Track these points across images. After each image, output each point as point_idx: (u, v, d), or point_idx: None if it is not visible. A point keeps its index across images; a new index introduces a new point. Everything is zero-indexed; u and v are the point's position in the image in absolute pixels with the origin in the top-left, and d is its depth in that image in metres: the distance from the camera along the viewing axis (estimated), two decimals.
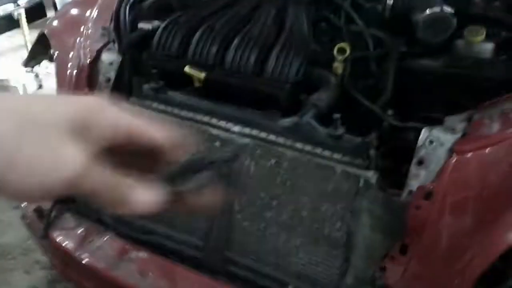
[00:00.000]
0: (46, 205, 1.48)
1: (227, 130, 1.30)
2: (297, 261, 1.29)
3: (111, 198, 0.42)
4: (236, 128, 1.29)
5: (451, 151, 1.09)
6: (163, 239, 1.39)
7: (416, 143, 1.17)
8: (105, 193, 0.42)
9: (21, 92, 3.77)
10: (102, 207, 0.43)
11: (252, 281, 1.30)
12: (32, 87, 3.87)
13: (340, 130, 1.18)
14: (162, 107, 1.41)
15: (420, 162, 1.12)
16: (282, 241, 1.30)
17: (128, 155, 0.45)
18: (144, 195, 0.44)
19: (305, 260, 1.27)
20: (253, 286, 1.28)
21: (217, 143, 1.32)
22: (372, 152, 1.15)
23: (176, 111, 1.38)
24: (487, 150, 1.08)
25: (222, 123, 1.32)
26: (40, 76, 3.93)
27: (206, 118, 1.34)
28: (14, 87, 3.74)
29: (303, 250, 1.27)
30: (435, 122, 1.18)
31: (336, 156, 1.18)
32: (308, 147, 1.21)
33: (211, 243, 1.35)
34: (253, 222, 1.32)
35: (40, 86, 3.95)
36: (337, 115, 1.18)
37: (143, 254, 1.32)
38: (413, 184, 1.12)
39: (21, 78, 3.78)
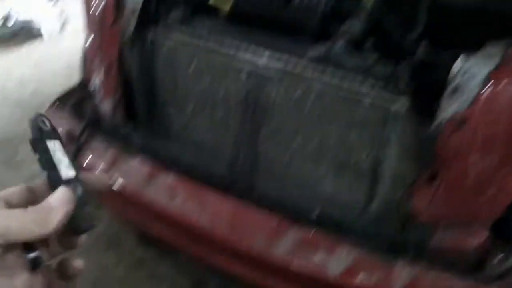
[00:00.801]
0: (76, 128, 1.50)
1: (254, 59, 1.29)
2: (324, 188, 1.30)
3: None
4: (264, 57, 1.28)
5: (487, 79, 1.07)
6: (191, 163, 1.41)
7: (449, 75, 1.16)
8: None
9: (44, 31, 3.76)
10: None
11: (278, 206, 1.32)
12: (55, 26, 3.85)
13: (372, 59, 1.16)
14: (188, 34, 1.39)
15: (454, 91, 1.10)
16: (308, 170, 1.31)
17: None
18: (55, 193, 0.49)
19: (332, 187, 1.29)
20: (279, 211, 1.30)
21: (244, 73, 1.31)
22: (403, 81, 1.13)
23: (202, 41, 1.36)
24: None
25: (250, 52, 1.30)
26: (64, 14, 3.91)
27: (232, 47, 1.32)
28: (38, 24, 3.73)
29: (329, 178, 1.28)
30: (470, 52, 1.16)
31: (367, 85, 1.16)
32: (338, 76, 1.19)
33: (238, 169, 1.36)
34: (279, 150, 1.33)
35: (63, 26, 3.94)
36: (369, 43, 1.15)
37: (172, 177, 1.34)
38: (445, 113, 1.10)
39: (45, 17, 3.76)
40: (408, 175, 1.14)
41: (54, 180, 0.51)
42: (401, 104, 1.13)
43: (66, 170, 0.52)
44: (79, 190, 0.52)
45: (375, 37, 1.24)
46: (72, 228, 0.50)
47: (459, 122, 1.08)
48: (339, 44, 1.23)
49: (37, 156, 0.52)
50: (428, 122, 1.13)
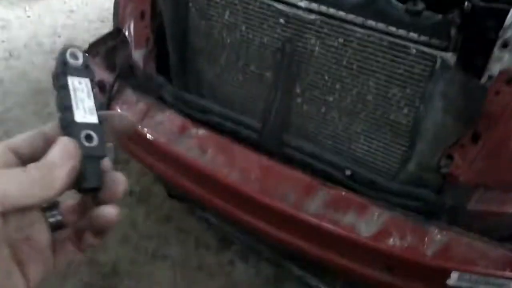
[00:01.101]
0: (108, 78, 1.48)
1: (292, 5, 1.21)
2: (357, 147, 1.25)
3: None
4: (303, 3, 1.20)
5: None
6: (222, 118, 1.38)
7: (499, 29, 1.05)
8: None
9: None
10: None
11: (309, 164, 1.28)
12: None
13: (420, 5, 1.07)
14: None
15: (505, 45, 1.01)
16: (343, 126, 1.25)
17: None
18: (56, 145, 0.41)
19: (366, 146, 1.23)
20: (309, 169, 1.26)
21: (282, 19, 1.24)
22: (453, 31, 1.04)
23: None
24: None
25: None
26: None
27: None
28: None
29: (365, 136, 1.22)
30: None
31: (413, 34, 1.07)
32: (381, 25, 1.11)
33: (268, 125, 1.32)
34: (313, 105, 1.28)
35: None
36: None
37: (202, 132, 1.31)
38: (495, 67, 1.01)
39: None
40: (450, 134, 1.07)
41: (66, 125, 0.43)
42: (449, 54, 1.04)
43: (84, 114, 0.44)
44: (95, 140, 0.43)
45: None
46: (76, 186, 0.42)
47: (509, 78, 1.00)
48: None
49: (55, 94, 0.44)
50: (476, 76, 1.05)
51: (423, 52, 1.06)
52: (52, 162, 0.40)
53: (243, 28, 1.32)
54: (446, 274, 1.07)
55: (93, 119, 0.44)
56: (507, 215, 1.08)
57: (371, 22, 1.13)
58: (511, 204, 1.08)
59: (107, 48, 1.62)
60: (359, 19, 1.14)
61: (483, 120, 1.03)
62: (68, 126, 0.43)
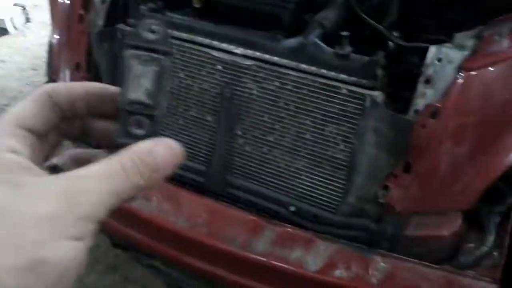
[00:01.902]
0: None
1: (229, 52, 1.27)
2: (299, 183, 1.30)
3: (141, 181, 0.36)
4: (239, 50, 1.26)
5: (460, 68, 1.08)
6: None
7: (421, 65, 1.16)
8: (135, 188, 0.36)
9: (9, 26, 3.66)
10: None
11: (254, 203, 1.32)
12: (19, 20, 3.75)
13: (347, 49, 1.15)
14: None
15: (428, 81, 1.11)
16: (285, 164, 1.30)
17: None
18: (163, 150, 0.37)
19: (308, 182, 1.28)
20: (255, 208, 1.29)
21: (219, 66, 1.29)
22: (379, 71, 1.13)
23: (175, 33, 1.33)
24: (496, 68, 1.07)
25: (224, 45, 1.28)
26: (28, 9, 3.81)
27: (207, 40, 1.30)
28: (1, 19, 3.62)
29: (306, 172, 1.28)
30: (442, 42, 1.16)
31: (342, 76, 1.15)
32: (313, 68, 1.18)
33: (212, 167, 1.35)
34: (255, 146, 1.32)
35: (27, 20, 3.83)
36: (344, 33, 1.14)
37: None
38: (420, 102, 1.10)
39: (8, 11, 3.65)
40: (384, 166, 1.15)
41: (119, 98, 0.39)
42: (377, 93, 1.13)
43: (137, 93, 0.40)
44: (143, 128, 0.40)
45: (348, 28, 1.22)
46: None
47: (433, 112, 1.09)
48: (314, 35, 1.22)
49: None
50: (403, 112, 1.13)
51: (353, 92, 1.14)
52: (157, 165, 0.36)
53: (182, 75, 1.35)
54: None
55: (146, 100, 0.42)
56: (443, 238, 1.16)
57: (303, 66, 1.20)
58: (445, 227, 1.15)
59: None
60: (293, 63, 1.21)
61: (413, 151, 1.11)
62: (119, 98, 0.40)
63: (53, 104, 0.40)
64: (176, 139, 0.39)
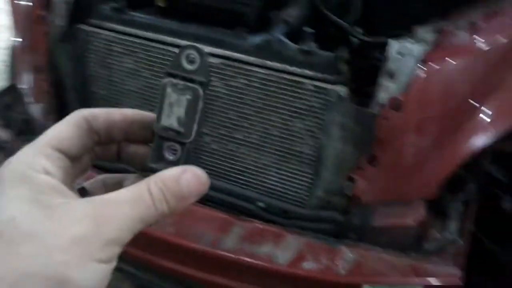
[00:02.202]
0: (6, 136, 1.42)
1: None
2: (268, 179, 1.31)
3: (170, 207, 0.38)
4: (204, 48, 1.26)
5: (421, 62, 1.11)
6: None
7: (383, 61, 1.19)
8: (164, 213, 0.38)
9: None
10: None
11: (222, 201, 1.32)
12: None
13: (311, 46, 1.17)
14: (123, 28, 1.35)
15: (390, 75, 1.14)
16: (253, 160, 1.31)
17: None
18: (190, 178, 0.38)
19: (276, 178, 1.30)
20: (223, 206, 1.29)
21: None
22: (343, 66, 1.15)
23: (139, 32, 1.32)
24: (456, 61, 1.11)
25: (189, 43, 1.28)
26: None
27: (172, 39, 1.29)
28: None
29: (274, 168, 1.29)
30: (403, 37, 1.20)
31: (307, 72, 1.17)
32: (279, 64, 1.20)
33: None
34: (222, 143, 1.32)
35: None
36: (308, 30, 1.16)
37: None
38: (383, 96, 1.13)
39: None
40: (350, 159, 1.17)
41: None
42: (341, 88, 1.15)
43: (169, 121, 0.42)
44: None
45: (312, 25, 1.25)
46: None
47: (396, 105, 1.12)
48: (278, 31, 1.23)
49: None
50: (367, 105, 1.16)
51: (319, 87, 1.16)
52: (183, 194, 0.38)
53: (146, 74, 1.35)
54: (358, 286, 1.15)
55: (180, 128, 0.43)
56: (408, 226, 1.19)
57: (269, 63, 1.21)
58: (410, 216, 1.18)
59: (3, 105, 1.56)
60: (259, 60, 1.22)
61: (377, 143, 1.13)
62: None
63: (90, 129, 0.41)
64: None
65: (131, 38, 1.33)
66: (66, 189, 0.36)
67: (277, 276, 1.16)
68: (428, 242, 1.20)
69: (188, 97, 0.42)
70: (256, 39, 1.24)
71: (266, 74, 1.21)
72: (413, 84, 1.11)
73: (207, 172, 0.38)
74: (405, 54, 1.13)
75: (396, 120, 1.12)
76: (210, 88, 1.25)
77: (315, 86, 1.16)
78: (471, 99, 1.12)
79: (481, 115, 1.12)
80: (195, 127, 0.42)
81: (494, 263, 1.42)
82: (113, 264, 0.35)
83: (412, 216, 1.19)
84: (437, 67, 1.11)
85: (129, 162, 0.46)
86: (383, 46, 1.16)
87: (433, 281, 1.11)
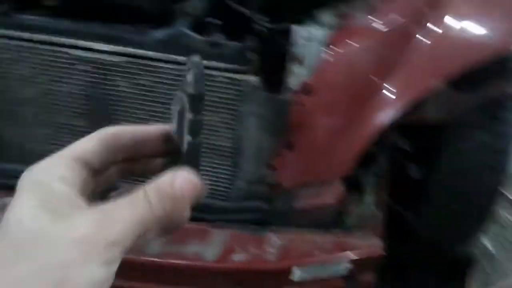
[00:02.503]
0: None
1: (92, 49, 1.20)
2: None
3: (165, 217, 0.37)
4: (104, 47, 1.19)
5: (326, 46, 1.14)
6: None
7: (289, 46, 1.21)
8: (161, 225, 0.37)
9: None
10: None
11: None
12: None
13: (219, 37, 1.15)
14: (11, 33, 1.23)
15: (298, 60, 1.16)
16: None
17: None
18: (182, 181, 0.38)
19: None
20: None
21: (85, 66, 1.21)
22: (252, 56, 1.15)
23: (29, 35, 1.22)
24: (358, 43, 1.15)
25: (86, 43, 1.20)
26: None
27: (65, 40, 1.21)
28: None
29: None
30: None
31: (217, 64, 1.16)
32: (186, 58, 1.17)
33: None
34: None
35: None
36: (214, 21, 1.14)
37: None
38: (293, 82, 1.15)
39: None
40: (269, 147, 1.18)
41: (191, 149, 0.40)
42: (252, 77, 1.15)
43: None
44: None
45: (216, 15, 1.23)
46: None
47: (306, 89, 1.14)
48: (183, 24, 1.20)
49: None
50: (279, 92, 1.17)
51: (230, 78, 1.15)
52: (176, 195, 0.38)
53: (43, 80, 1.25)
54: (289, 271, 1.17)
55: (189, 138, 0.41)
56: (328, 205, 1.23)
57: (176, 57, 1.18)
58: (329, 195, 1.23)
59: None
60: (165, 56, 1.18)
61: (293, 128, 1.15)
62: (193, 154, 0.41)
63: (116, 145, 0.42)
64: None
65: (21, 43, 1.23)
66: (79, 197, 0.37)
67: (208, 273, 1.15)
68: (349, 218, 1.25)
69: (178, 107, 0.43)
70: (160, 33, 1.20)
71: (174, 69, 1.18)
72: (320, 68, 1.14)
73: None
74: (310, 39, 1.16)
75: (308, 104, 1.14)
76: (113, 89, 1.21)
77: (226, 77, 1.15)
78: (375, 78, 1.17)
79: (385, 92, 1.17)
80: (186, 137, 0.41)
81: (408, 229, 1.52)
82: (115, 266, 0.35)
83: (331, 195, 1.23)
84: (341, 50, 1.15)
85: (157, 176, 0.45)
86: (287, 33, 1.17)
87: (358, 254, 1.17)
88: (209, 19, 1.19)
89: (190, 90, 0.42)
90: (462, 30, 1.21)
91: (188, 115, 0.41)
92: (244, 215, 1.23)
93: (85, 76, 1.21)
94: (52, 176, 0.37)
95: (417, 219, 1.51)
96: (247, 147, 1.19)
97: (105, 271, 0.34)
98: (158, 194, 0.37)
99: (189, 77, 0.42)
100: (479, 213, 1.48)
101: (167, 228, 0.38)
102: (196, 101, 0.41)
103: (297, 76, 1.14)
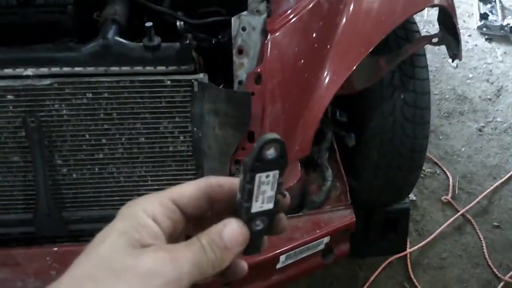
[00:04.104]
0: None
1: (18, 76, 1.08)
2: (147, 189, 1.22)
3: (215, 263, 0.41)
4: (30, 71, 1.08)
5: (264, 32, 1.15)
6: None
7: (210, 40, 1.20)
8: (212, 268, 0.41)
9: None
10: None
11: (100, 230, 1.19)
12: None
13: (156, 40, 1.10)
14: None
15: (240, 51, 1.15)
16: (124, 176, 1.20)
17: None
18: (230, 231, 0.43)
19: (156, 185, 1.22)
20: None
21: (10, 95, 1.09)
22: (194, 54, 1.12)
23: None
24: (293, 23, 1.17)
25: (8, 70, 1.08)
26: None
27: None
28: None
29: (151, 176, 1.21)
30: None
31: (160, 68, 1.11)
32: (125, 68, 1.10)
33: (40, 211, 1.15)
34: (83, 170, 1.18)
35: None
36: (149, 24, 1.09)
37: None
38: (241, 73, 1.14)
39: None
40: (232, 142, 1.16)
41: (242, 213, 0.43)
42: (201, 75, 1.12)
43: (262, 204, 0.44)
44: (263, 223, 0.45)
45: (141, 19, 1.17)
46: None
47: (256, 79, 1.14)
48: (112, 33, 1.13)
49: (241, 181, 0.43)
50: (230, 85, 1.16)
51: (177, 81, 1.11)
52: (225, 245, 0.42)
53: None
54: (276, 260, 1.18)
55: (269, 206, 0.45)
56: (291, 188, 1.24)
57: (113, 69, 1.10)
58: (291, 178, 1.24)
59: None
60: (100, 69, 1.10)
61: (251, 119, 1.15)
62: (244, 214, 0.43)
63: (211, 196, 0.45)
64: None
65: None
66: (162, 236, 0.41)
67: None
68: (314, 195, 1.28)
69: (274, 179, 0.44)
70: (90, 46, 1.11)
71: (113, 81, 1.10)
72: (263, 55, 1.14)
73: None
74: (247, 28, 1.16)
75: (260, 93, 1.14)
76: (49, 114, 1.10)
77: (174, 80, 1.11)
78: (314, 56, 1.21)
79: (326, 69, 1.21)
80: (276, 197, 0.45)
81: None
82: None
83: (292, 177, 1.25)
84: (279, 33, 1.16)
85: None
86: (224, 25, 1.16)
87: (334, 227, 1.20)
88: (138, 23, 1.13)
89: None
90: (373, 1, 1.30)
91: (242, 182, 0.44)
92: None
93: (13, 107, 1.09)
94: (146, 211, 0.41)
95: (357, 183, 1.59)
96: (209, 146, 1.16)
97: None
98: (210, 242, 0.41)
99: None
100: (410, 168, 1.60)
101: (214, 273, 0.42)
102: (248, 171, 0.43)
103: (243, 67, 1.14)
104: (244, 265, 0.47)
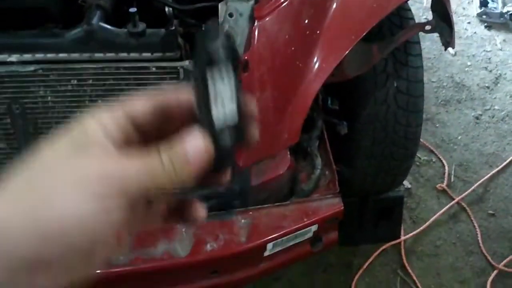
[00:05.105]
0: None
1: (1, 63, 1.07)
2: None
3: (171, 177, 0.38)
4: (14, 57, 1.07)
5: (252, 18, 1.13)
6: None
7: (200, 26, 1.18)
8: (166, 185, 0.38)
9: None
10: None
11: None
12: None
13: (140, 26, 1.09)
14: None
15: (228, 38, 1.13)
16: None
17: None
18: (194, 143, 0.39)
19: None
20: None
21: None
22: (180, 40, 1.11)
23: None
24: (284, 8, 1.15)
25: None
26: None
27: None
28: None
29: None
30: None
31: (146, 54, 1.09)
32: (110, 54, 1.09)
33: None
34: None
35: None
36: (133, 9, 1.07)
37: None
38: None
39: None
40: None
41: (203, 120, 0.40)
42: (186, 62, 1.11)
43: (222, 107, 0.40)
44: (228, 139, 0.40)
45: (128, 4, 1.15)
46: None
47: (244, 66, 1.12)
48: (97, 19, 1.11)
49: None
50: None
51: (163, 67, 1.09)
52: (185, 158, 0.38)
53: None
54: (263, 248, 1.17)
55: (232, 108, 0.40)
56: (281, 176, 1.24)
57: (98, 55, 1.09)
58: (280, 166, 1.24)
59: None
60: (85, 55, 1.09)
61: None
62: (207, 126, 0.40)
63: (168, 112, 0.42)
64: None
65: None
66: (111, 146, 0.38)
67: (184, 269, 1.11)
68: (303, 183, 1.27)
69: (228, 75, 0.41)
70: (74, 32, 1.10)
71: (99, 68, 1.09)
72: (252, 41, 1.12)
73: None
74: (234, 14, 1.14)
75: (249, 80, 1.13)
76: (34, 101, 1.09)
77: (159, 67, 1.10)
78: (304, 43, 1.19)
79: (315, 55, 1.20)
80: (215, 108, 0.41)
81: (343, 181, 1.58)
82: (117, 214, 0.36)
83: (282, 166, 1.24)
84: (268, 19, 1.14)
85: None
86: (211, 11, 1.14)
87: (322, 216, 1.20)
88: (124, 8, 1.11)
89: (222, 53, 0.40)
90: None
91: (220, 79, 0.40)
92: (207, 202, 1.20)
93: (2, 93, 1.08)
94: (94, 120, 0.39)
95: (350, 171, 1.58)
96: None
97: (95, 207, 0.35)
98: (171, 153, 0.38)
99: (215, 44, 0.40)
100: (403, 156, 1.59)
101: (174, 188, 0.39)
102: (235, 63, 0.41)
103: None
104: (203, 210, 0.46)
